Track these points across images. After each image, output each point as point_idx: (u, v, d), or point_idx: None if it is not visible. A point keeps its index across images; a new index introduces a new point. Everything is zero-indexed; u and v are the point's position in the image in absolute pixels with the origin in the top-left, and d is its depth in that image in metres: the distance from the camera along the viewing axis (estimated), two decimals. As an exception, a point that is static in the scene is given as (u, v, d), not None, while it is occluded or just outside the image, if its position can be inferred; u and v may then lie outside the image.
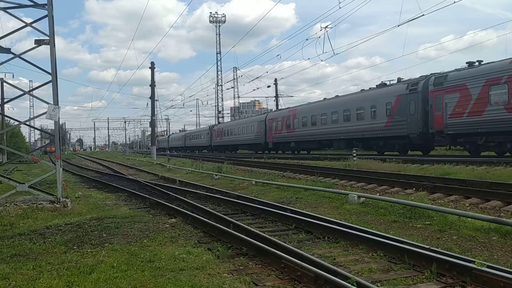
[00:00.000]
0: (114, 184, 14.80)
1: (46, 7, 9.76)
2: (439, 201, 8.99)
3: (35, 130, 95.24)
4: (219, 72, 69.66)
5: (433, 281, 4.16)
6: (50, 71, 9.88)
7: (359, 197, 8.99)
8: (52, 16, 9.83)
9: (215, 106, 71.79)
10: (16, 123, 12.74)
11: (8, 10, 9.85)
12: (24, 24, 10.10)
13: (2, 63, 10.26)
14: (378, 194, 10.48)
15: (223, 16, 69.35)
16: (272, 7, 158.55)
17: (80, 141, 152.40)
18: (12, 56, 10.13)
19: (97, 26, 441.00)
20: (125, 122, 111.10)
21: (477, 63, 18.87)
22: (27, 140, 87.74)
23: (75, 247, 5.88)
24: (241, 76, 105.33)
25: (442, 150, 23.22)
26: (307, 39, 28.95)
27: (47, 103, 9.89)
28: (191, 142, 66.37)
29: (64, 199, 9.79)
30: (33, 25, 10.10)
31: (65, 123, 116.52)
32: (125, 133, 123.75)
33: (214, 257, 5.21)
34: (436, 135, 19.98)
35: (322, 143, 30.39)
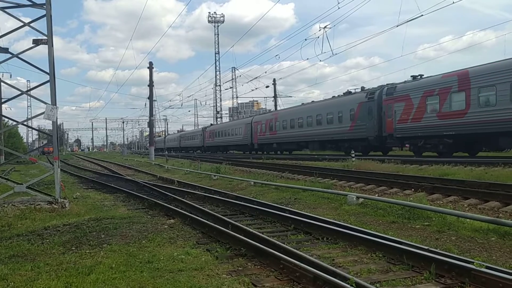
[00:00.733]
0: (112, 185, 14.78)
1: (44, 6, 9.74)
2: (438, 202, 9.00)
3: (33, 131, 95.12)
4: (218, 72, 69.70)
5: (432, 281, 4.16)
6: (48, 71, 9.85)
7: (357, 198, 8.99)
8: (50, 16, 9.81)
9: (214, 106, 71.85)
10: (14, 123, 12.69)
11: (6, 10, 9.82)
12: (22, 24, 10.07)
13: (0, 62, 10.24)
14: (376, 195, 10.48)
15: (221, 16, 69.42)
16: (271, 7, 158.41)
17: (78, 141, 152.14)
18: (10, 55, 10.10)
19: (96, 26, 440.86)
20: (123, 122, 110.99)
21: (419, 77, 21.94)
22: (25, 140, 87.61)
23: (73, 248, 5.86)
24: (240, 76, 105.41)
25: (398, 150, 25.65)
26: (305, 39, 29.08)
27: (45, 103, 9.87)
28: (186, 143, 68.91)
29: (62, 199, 9.76)
30: (31, 24, 10.07)
31: (63, 123, 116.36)
32: (123, 134, 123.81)
33: (213, 258, 5.20)
34: (388, 138, 22.93)
35: (300, 145, 33.34)
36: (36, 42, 9.94)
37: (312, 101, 34.64)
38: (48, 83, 9.89)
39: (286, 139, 34.64)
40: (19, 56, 10.17)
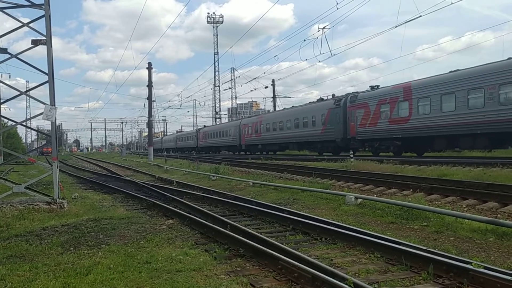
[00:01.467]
0: (111, 185, 14.76)
1: (43, 7, 9.73)
2: (436, 202, 9.01)
3: (32, 131, 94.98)
4: (217, 73, 69.72)
5: (430, 282, 4.16)
6: (47, 72, 9.85)
7: (356, 198, 8.99)
8: (49, 16, 9.80)
9: (213, 107, 71.86)
10: (13, 123, 12.67)
11: (5, 10, 9.81)
12: (21, 24, 10.06)
13: (-1, 63, 10.22)
14: (375, 195, 10.49)
15: (220, 17, 69.44)
16: (270, 8, 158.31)
17: (76, 142, 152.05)
18: (9, 56, 10.09)
19: (95, 27, 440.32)
20: (122, 123, 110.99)
21: (376, 87, 25.45)
22: (24, 141, 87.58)
23: (71, 249, 5.86)
24: (239, 76, 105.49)
25: (365, 151, 27.36)
26: (304, 40, 29.18)
27: (44, 103, 9.86)
28: (181, 144, 71.18)
29: (60, 200, 9.75)
30: (30, 25, 10.07)
31: (61, 123, 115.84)
32: (122, 134, 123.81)
33: (211, 258, 5.20)
34: (351, 140, 25.99)
35: (281, 146, 36.49)
36: (35, 43, 9.93)
37: (292, 106, 38.65)
38: (47, 84, 9.88)
39: (270, 141, 37.71)
40: (18, 56, 10.16)
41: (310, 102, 34.08)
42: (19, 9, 10.12)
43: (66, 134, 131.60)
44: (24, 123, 13.83)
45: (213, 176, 16.80)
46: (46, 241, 6.36)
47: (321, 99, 32.26)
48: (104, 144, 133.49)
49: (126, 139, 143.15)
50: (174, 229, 7.08)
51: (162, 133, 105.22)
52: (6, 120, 32.78)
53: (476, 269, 3.99)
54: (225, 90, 74.35)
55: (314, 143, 30.91)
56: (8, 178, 14.72)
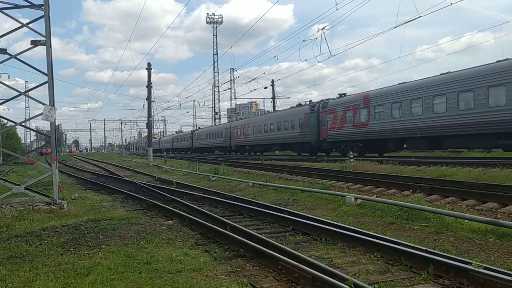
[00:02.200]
0: (111, 186, 14.76)
1: (43, 7, 9.73)
2: (436, 203, 9.02)
3: (31, 131, 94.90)
4: (216, 73, 69.78)
5: (430, 282, 4.16)
6: (46, 72, 9.84)
7: (356, 198, 8.99)
8: (49, 17, 9.80)
9: (212, 107, 71.88)
10: (12, 124, 12.67)
11: (5, 11, 9.81)
12: (20, 25, 10.06)
13: (-1, 63, 10.22)
14: (375, 195, 10.49)
15: (220, 17, 69.56)
16: (269, 9, 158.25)
17: (76, 142, 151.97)
18: (8, 56, 10.09)
19: (95, 27, 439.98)
20: (121, 123, 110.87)
21: (343, 95, 29.35)
22: (23, 141, 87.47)
23: (71, 249, 5.86)
24: (238, 77, 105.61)
25: (336, 152, 29.58)
26: (304, 41, 29.26)
27: (43, 104, 9.86)
28: (178, 144, 73.60)
29: (60, 200, 9.75)
30: (30, 25, 10.07)
31: (61, 124, 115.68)
32: (121, 135, 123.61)
33: (211, 259, 5.20)
34: (323, 142, 29.28)
35: (266, 146, 39.37)
36: (34, 43, 9.93)
37: (276, 110, 43.14)
38: (46, 84, 9.88)
39: (256, 142, 40.88)
40: (17, 57, 10.16)
41: (291, 107, 37.97)
42: (19, 9, 10.13)
43: (66, 135, 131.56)
44: (23, 124, 13.81)
45: (213, 176, 16.80)
46: (46, 241, 6.36)
47: (299, 104, 36.24)
48: (103, 144, 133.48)
49: (125, 139, 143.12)
50: (174, 229, 7.08)
51: (161, 134, 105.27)
52: (5, 121, 32.79)
53: (476, 269, 4.00)
54: (224, 90, 74.54)
55: (293, 144, 34.23)
56: (8, 178, 14.70)
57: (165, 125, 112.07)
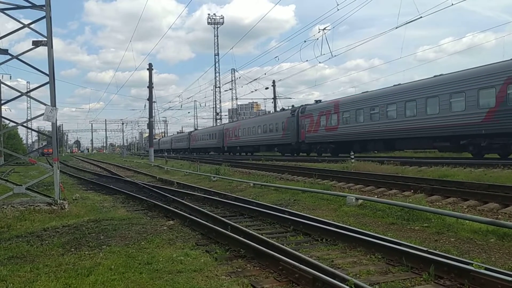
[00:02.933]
0: (112, 186, 14.77)
1: (44, 8, 9.75)
2: (437, 203, 9.01)
3: (33, 132, 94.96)
4: (217, 74, 69.81)
5: (431, 283, 4.16)
6: (47, 73, 9.85)
7: (357, 199, 8.99)
8: (50, 17, 9.81)
9: (213, 108, 71.94)
10: (14, 124, 12.69)
11: (6, 11, 9.83)
12: (21, 25, 10.07)
13: (0, 64, 10.23)
14: (376, 196, 10.48)
15: (221, 18, 69.61)
16: (270, 9, 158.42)
17: (77, 142, 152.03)
18: (10, 57, 10.10)
19: (96, 28, 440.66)
20: (122, 123, 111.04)
21: (319, 101, 33.40)
22: (25, 141, 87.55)
23: (72, 249, 5.86)
24: (239, 77, 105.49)
25: (314, 153, 32.87)
26: (305, 41, 29.36)
27: (45, 104, 9.87)
28: (176, 145, 76.62)
29: (61, 201, 9.76)
30: (31, 26, 10.09)
31: (62, 124, 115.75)
32: (122, 135, 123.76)
33: (212, 259, 5.20)
34: (302, 143, 32.69)
35: (254, 147, 42.80)
36: (36, 44, 9.95)
37: (264, 113, 47.74)
38: (48, 85, 9.89)
39: (246, 143, 44.23)
40: (19, 57, 10.17)
41: (276, 111, 43.03)
42: (21, 10, 10.15)
43: (67, 135, 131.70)
44: (24, 124, 13.83)
45: (214, 177, 16.80)
46: (47, 242, 6.37)
47: (283, 109, 40.50)
48: (104, 145, 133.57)
49: (126, 140, 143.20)
50: (175, 230, 7.08)
51: (162, 134, 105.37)
52: (7, 121, 32.83)
53: (477, 270, 3.99)
54: (225, 91, 74.65)
55: (277, 145, 37.81)
56: (9, 179, 14.73)
57: (167, 126, 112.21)
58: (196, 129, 74.12)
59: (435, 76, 21.38)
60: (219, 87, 70.17)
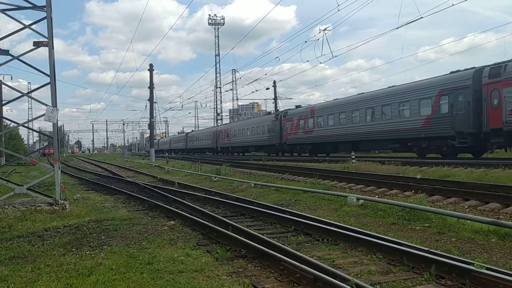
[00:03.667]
0: (113, 186, 14.78)
1: (45, 9, 9.76)
2: (438, 203, 9.00)
3: (34, 132, 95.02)
4: (218, 74, 69.87)
5: (432, 283, 4.16)
6: (48, 73, 9.87)
7: (358, 199, 8.98)
8: (51, 18, 9.82)
9: (214, 108, 71.97)
10: (15, 125, 12.70)
11: (7, 12, 9.84)
12: (22, 26, 10.09)
13: (1, 64, 10.25)
14: (377, 196, 10.47)
15: (221, 18, 69.70)
16: (271, 10, 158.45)
17: (78, 143, 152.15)
18: (11, 57, 10.11)
19: (97, 28, 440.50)
20: (123, 124, 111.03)
21: (299, 106, 37.21)
22: (26, 142, 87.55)
23: (73, 250, 5.87)
24: (240, 78, 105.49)
25: (294, 153, 36.35)
26: (305, 42, 29.38)
27: (46, 105, 9.88)
28: (174, 145, 79.60)
29: (62, 201, 9.77)
30: (32, 27, 10.10)
31: (63, 125, 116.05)
32: (123, 135, 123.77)
33: (213, 259, 5.20)
34: (284, 144, 36.24)
35: (244, 148, 46.56)
36: (37, 44, 9.96)
37: (249, 117, 52.82)
38: (49, 85, 9.90)
39: (236, 144, 48.05)
40: (20, 58, 10.18)
41: (263, 114, 47.44)
42: (22, 11, 10.19)
43: (68, 136, 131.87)
44: (26, 125, 13.85)
45: (215, 177, 16.81)
46: (48, 242, 6.37)
47: (268, 113, 46.44)
48: (105, 145, 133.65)
49: (127, 140, 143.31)
50: (176, 230, 7.09)
51: (163, 135, 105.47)
52: (8, 122, 32.88)
53: (478, 270, 3.99)
54: (226, 91, 74.70)
55: (264, 146, 41.26)
56: (10, 179, 14.75)
57: (167, 126, 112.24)
58: (192, 131, 77.70)
59: (389, 87, 24.98)
60: (220, 87, 70.29)
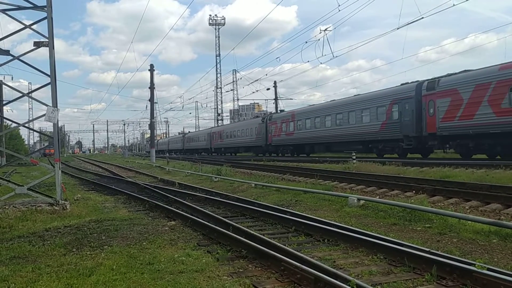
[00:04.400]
0: (113, 187, 14.78)
1: (46, 9, 9.77)
2: (439, 204, 8.99)
3: (34, 132, 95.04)
4: (219, 75, 69.92)
5: (433, 283, 4.15)
6: (49, 73, 9.87)
7: (358, 199, 8.97)
8: (51, 18, 9.83)
9: (215, 108, 72.00)
10: (15, 125, 12.71)
11: (8, 12, 9.85)
12: (23, 26, 10.09)
13: (1, 65, 10.26)
14: (377, 196, 10.46)
15: (222, 19, 69.75)
16: (271, 10, 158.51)
17: (79, 143, 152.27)
18: (11, 58, 10.12)
19: (98, 29, 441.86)
20: (124, 124, 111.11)
21: (283, 110, 41.82)
22: (26, 142, 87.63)
23: (74, 250, 5.87)
24: (241, 78, 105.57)
25: (278, 154, 39.72)
26: (306, 42, 29.55)
27: (46, 105, 9.89)
28: (172, 146, 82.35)
29: (63, 201, 9.77)
30: (33, 27, 10.11)
31: (64, 125, 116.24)
32: (124, 136, 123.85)
33: (214, 259, 5.19)
34: (269, 145, 39.59)
35: (235, 148, 50.11)
36: (37, 44, 9.97)
37: (239, 120, 59.09)
38: (49, 85, 9.90)
39: (228, 145, 51.27)
40: (21, 58, 10.18)
41: (252, 118, 52.14)
42: (23, 11, 10.20)
43: (69, 136, 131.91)
44: (26, 125, 13.86)
45: (215, 177, 16.80)
46: (48, 242, 6.37)
47: (256, 116, 50.00)
48: (106, 145, 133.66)
49: (128, 140, 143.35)
50: (176, 230, 7.08)
51: (164, 135, 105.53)
52: (8, 122, 32.91)
53: (479, 270, 3.98)
54: (227, 92, 74.78)
55: (252, 147, 44.29)
56: (11, 179, 14.75)
57: (168, 126, 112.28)
58: (189, 132, 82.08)
59: (354, 96, 29.23)
60: (221, 88, 70.35)
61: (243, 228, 6.53)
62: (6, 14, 9.84)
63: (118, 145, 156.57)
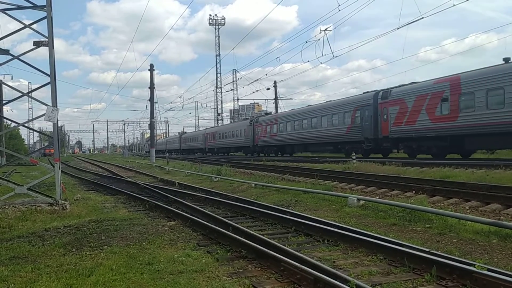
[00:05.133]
0: (113, 187, 14.77)
1: (45, 8, 9.76)
2: (439, 204, 8.98)
3: (34, 132, 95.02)
4: (219, 75, 69.89)
5: (433, 284, 4.15)
6: (49, 73, 9.87)
7: (358, 200, 8.97)
8: (51, 18, 9.82)
9: (215, 108, 71.99)
10: (15, 125, 12.70)
11: (8, 12, 9.84)
12: (22, 26, 10.09)
13: (1, 64, 10.25)
14: (377, 197, 10.46)
15: (222, 19, 69.67)
16: (271, 10, 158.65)
17: (79, 143, 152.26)
18: (11, 57, 10.11)
19: (98, 28, 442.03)
20: (124, 124, 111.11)
21: (270, 113, 46.49)
22: (26, 142, 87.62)
23: (74, 250, 5.86)
24: (241, 78, 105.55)
25: (264, 154, 41.49)
26: (306, 42, 29.50)
27: (46, 105, 9.88)
28: (170, 146, 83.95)
29: (63, 201, 9.77)
30: (33, 26, 10.10)
31: (64, 125, 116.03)
32: (124, 136, 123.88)
33: (213, 260, 5.19)
34: (256, 146, 42.42)
35: (226, 149, 53.11)
36: (37, 44, 9.96)
37: (230, 123, 62.58)
38: (49, 85, 9.90)
39: (221, 146, 54.16)
40: (20, 58, 10.18)
41: (240, 120, 57.25)
42: (23, 11, 10.19)
43: (69, 136, 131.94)
44: (26, 125, 13.85)
45: (215, 177, 16.80)
46: (48, 242, 6.37)
47: (245, 118, 53.37)
48: (106, 145, 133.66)
49: (128, 140, 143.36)
50: (176, 230, 7.08)
51: (164, 135, 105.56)
52: (8, 121, 32.90)
53: (479, 271, 3.97)
54: (227, 91, 74.69)
55: (241, 148, 47.36)
56: (11, 179, 14.75)
57: (168, 126, 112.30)
58: (185, 132, 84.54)
59: (327, 102, 33.20)
60: (221, 87, 70.30)
61: (243, 228, 6.53)
62: (6, 14, 9.83)
63: (118, 145, 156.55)
